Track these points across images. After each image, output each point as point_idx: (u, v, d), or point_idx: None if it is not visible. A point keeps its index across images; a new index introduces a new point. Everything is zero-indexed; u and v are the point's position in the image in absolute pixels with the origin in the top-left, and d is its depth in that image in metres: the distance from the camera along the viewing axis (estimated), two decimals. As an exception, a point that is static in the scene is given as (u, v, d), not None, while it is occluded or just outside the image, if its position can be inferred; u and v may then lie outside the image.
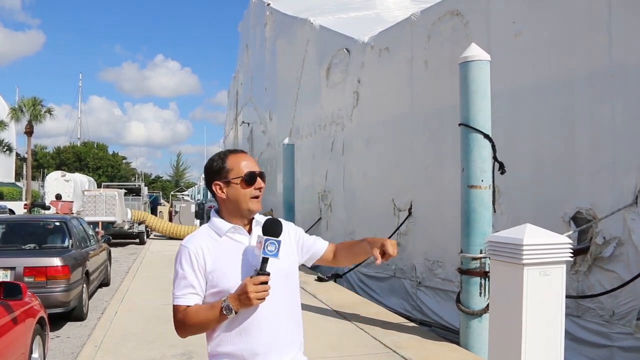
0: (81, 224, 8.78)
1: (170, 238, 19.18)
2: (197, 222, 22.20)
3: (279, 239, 1.79)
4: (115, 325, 6.17)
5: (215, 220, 1.95)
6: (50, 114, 34.11)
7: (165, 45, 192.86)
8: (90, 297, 8.02)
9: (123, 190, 19.86)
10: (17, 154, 49.65)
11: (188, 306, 1.85)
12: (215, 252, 1.88)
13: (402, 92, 8.44)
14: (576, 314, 5.21)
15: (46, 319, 4.82)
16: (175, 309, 1.87)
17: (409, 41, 8.23)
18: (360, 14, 13.70)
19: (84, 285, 7.29)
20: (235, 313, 1.78)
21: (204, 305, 1.85)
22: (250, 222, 1.96)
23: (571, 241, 3.73)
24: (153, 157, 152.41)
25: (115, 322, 6.33)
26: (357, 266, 8.97)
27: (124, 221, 17.43)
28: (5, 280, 5.66)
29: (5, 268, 6.37)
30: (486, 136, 4.92)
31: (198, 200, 36.30)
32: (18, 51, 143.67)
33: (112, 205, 16.42)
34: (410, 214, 8.09)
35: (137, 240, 18.74)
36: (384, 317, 6.34)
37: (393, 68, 8.75)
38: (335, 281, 9.03)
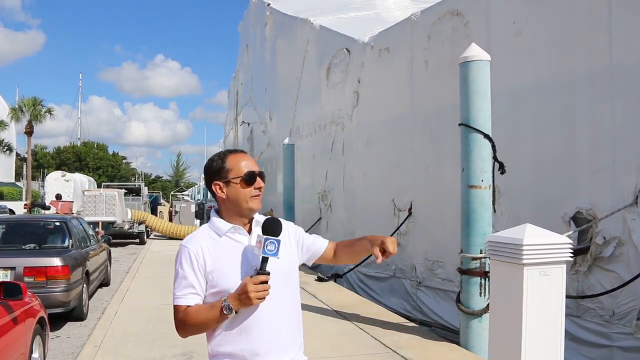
0: (81, 224, 8.78)
1: (170, 238, 19.18)
2: (197, 222, 22.21)
3: (278, 238, 1.80)
4: (115, 325, 6.17)
5: (215, 220, 1.95)
6: (50, 114, 34.13)
7: (165, 45, 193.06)
8: (90, 297, 8.02)
9: (123, 190, 19.86)
10: (17, 154, 49.65)
11: (188, 306, 1.85)
12: (215, 252, 1.88)
13: (402, 92, 8.44)
14: (576, 314, 5.21)
15: (46, 319, 4.82)
16: (176, 309, 1.87)
17: (409, 41, 8.23)
18: (360, 14, 13.70)
19: (84, 285, 7.29)
20: (236, 313, 1.79)
21: (204, 305, 1.86)
22: (250, 222, 1.96)
23: (571, 241, 3.73)
24: (153, 157, 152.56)
25: (115, 322, 6.33)
26: (357, 266, 8.97)
27: (124, 221, 17.43)
28: (5, 280, 5.66)
29: (5, 268, 6.38)
30: (486, 136, 4.92)
31: (198, 200, 36.30)
32: (18, 51, 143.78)
33: (112, 205, 16.42)
34: (410, 214, 8.09)
35: (137, 240, 18.74)
36: (384, 317, 6.34)
37: (393, 68, 8.75)
38: (335, 281, 9.03)
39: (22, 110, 33.00)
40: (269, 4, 18.18)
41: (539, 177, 5.85)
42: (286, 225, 2.00)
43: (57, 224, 7.86)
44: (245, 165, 1.92)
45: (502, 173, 5.25)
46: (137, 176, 67.31)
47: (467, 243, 4.98)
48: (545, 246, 3.55)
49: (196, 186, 58.10)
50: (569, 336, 4.59)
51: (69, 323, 7.08)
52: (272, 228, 1.82)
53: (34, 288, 5.73)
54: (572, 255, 3.66)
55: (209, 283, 1.86)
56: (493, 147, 4.98)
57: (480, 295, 4.90)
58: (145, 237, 19.01)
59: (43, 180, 37.83)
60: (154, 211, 24.16)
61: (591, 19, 5.29)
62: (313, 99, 12.84)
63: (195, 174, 75.47)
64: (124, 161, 72.26)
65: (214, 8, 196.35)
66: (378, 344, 5.22)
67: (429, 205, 7.69)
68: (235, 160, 1.93)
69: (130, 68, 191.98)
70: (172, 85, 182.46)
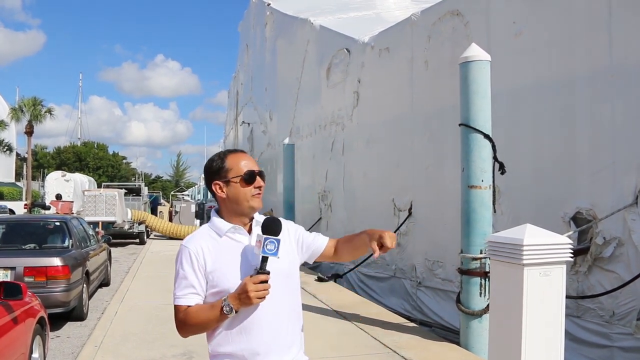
0: (81, 224, 8.78)
1: (170, 238, 19.18)
2: (197, 222, 22.21)
3: (278, 237, 1.79)
4: (116, 325, 6.17)
5: (216, 220, 1.95)
6: (51, 114, 34.13)
7: (165, 45, 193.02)
8: (90, 297, 8.02)
9: (123, 190, 19.86)
10: (17, 154, 49.64)
11: (189, 306, 1.85)
12: (215, 252, 1.88)
13: (402, 92, 8.44)
14: (576, 314, 5.21)
15: (46, 319, 4.82)
16: (176, 309, 1.87)
17: (409, 41, 8.23)
18: (361, 14, 13.70)
19: (84, 285, 7.29)
20: (236, 312, 1.79)
21: (204, 305, 1.86)
22: (250, 222, 1.96)
23: (571, 241, 3.73)
24: (153, 157, 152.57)
25: (115, 322, 6.33)
26: (357, 266, 8.98)
27: (124, 221, 17.43)
28: (5, 280, 5.66)
29: (5, 268, 6.38)
30: (486, 136, 4.92)
31: (198, 200, 36.31)
32: (18, 51, 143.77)
33: (112, 205, 16.42)
34: (410, 214, 8.09)
35: (137, 240, 18.74)
36: (384, 317, 6.34)
37: (393, 68, 8.75)
38: (335, 281, 9.04)
39: (22, 110, 33.00)
40: (269, 4, 18.18)
41: (539, 177, 5.85)
42: (286, 224, 1.99)
43: (57, 224, 7.86)
44: (245, 164, 1.92)
45: (502, 173, 5.25)
46: (137, 176, 67.31)
47: (467, 243, 4.98)
48: (546, 246, 3.55)
49: (196, 186, 58.11)
50: (569, 336, 4.59)
51: (69, 323, 7.08)
52: (271, 227, 1.82)
53: (34, 288, 5.73)
54: (572, 255, 3.65)
55: (209, 283, 1.86)
56: (493, 147, 4.98)
57: (480, 296, 4.90)
58: (145, 237, 19.01)
59: (43, 180, 37.83)
60: (154, 211, 24.16)
61: (591, 19, 5.29)
62: (313, 99, 12.85)
63: (196, 174, 75.54)
64: (124, 161, 72.27)
65: (214, 8, 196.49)
66: (378, 344, 5.22)
67: (429, 205, 7.69)
68: (235, 160, 1.94)
69: (130, 68, 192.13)
70: (172, 85, 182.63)
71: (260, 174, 1.94)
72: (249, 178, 1.90)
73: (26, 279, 6.25)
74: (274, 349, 1.86)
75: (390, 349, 5.02)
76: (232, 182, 1.91)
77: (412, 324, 6.18)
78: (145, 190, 28.85)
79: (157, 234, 20.41)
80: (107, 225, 16.47)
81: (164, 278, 9.53)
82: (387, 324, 5.96)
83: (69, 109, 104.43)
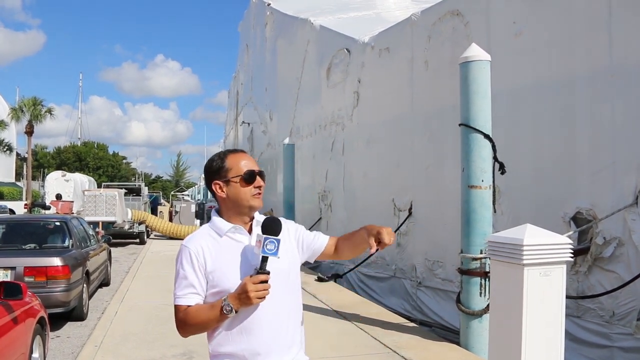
0: (81, 224, 8.78)
1: (171, 238, 19.18)
2: (197, 222, 22.21)
3: (278, 237, 1.79)
4: (116, 325, 6.17)
5: (216, 220, 1.95)
6: (51, 114, 34.12)
7: (165, 45, 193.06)
8: (90, 297, 8.03)
9: (123, 190, 19.85)
10: (18, 154, 49.62)
11: (189, 306, 1.85)
12: (215, 252, 1.88)
13: (402, 92, 8.44)
14: (576, 315, 5.21)
15: (46, 319, 4.82)
16: (177, 308, 1.87)
17: (410, 41, 8.23)
18: (361, 14, 13.70)
19: (84, 285, 7.29)
20: (236, 312, 1.79)
21: (204, 304, 1.86)
22: (250, 222, 1.96)
23: (571, 241, 3.73)
24: (153, 157, 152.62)
25: (115, 322, 6.33)
26: (357, 266, 8.98)
27: (124, 221, 17.43)
28: (5, 280, 5.66)
29: (5, 268, 6.38)
30: (486, 136, 4.92)
31: (198, 200, 36.31)
32: (18, 51, 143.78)
33: (112, 205, 16.42)
34: (410, 214, 8.09)
35: (137, 240, 18.75)
36: (384, 317, 6.34)
37: (393, 68, 8.75)
38: (335, 281, 9.04)
39: (22, 110, 33.00)
40: (269, 4, 18.18)
41: (539, 177, 5.85)
42: (286, 224, 1.99)
43: (57, 224, 7.86)
44: (244, 164, 1.92)
45: (502, 173, 5.25)
46: (137, 176, 67.31)
47: (467, 243, 4.98)
48: (546, 246, 3.55)
49: (196, 186, 58.12)
50: (569, 336, 4.59)
51: (69, 323, 7.08)
52: (271, 227, 1.82)
53: (34, 288, 5.73)
54: (572, 255, 3.66)
55: (209, 283, 1.86)
56: (493, 147, 4.98)
57: (481, 296, 4.90)
58: (145, 237, 19.01)
59: (43, 180, 37.84)
60: (154, 211, 24.16)
61: (591, 19, 5.29)
62: (313, 99, 12.85)
63: (196, 174, 75.54)
64: (124, 161, 72.28)
65: (214, 8, 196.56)
66: (378, 344, 5.22)
67: (429, 205, 7.69)
68: (235, 160, 1.94)
69: (131, 68, 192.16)
70: (172, 85, 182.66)
71: (260, 174, 1.94)
72: (249, 178, 1.90)
73: (26, 279, 6.25)
74: (274, 348, 1.86)
75: (390, 349, 5.02)
76: (232, 181, 1.91)
77: (412, 324, 6.18)
78: (145, 190, 28.84)
79: (157, 234, 20.41)
80: (107, 225, 16.47)
81: (164, 278, 9.53)
82: (387, 324, 5.96)
83: (69, 109, 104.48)
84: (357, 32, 10.55)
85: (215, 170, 1.95)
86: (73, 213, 17.97)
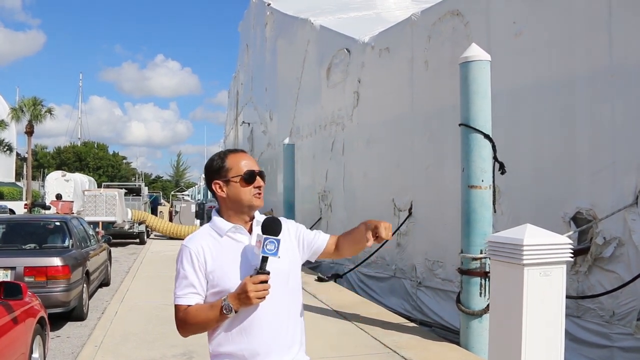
0: (81, 224, 8.78)
1: (171, 238, 19.18)
2: (197, 222, 22.21)
3: (278, 237, 1.79)
4: (116, 325, 6.17)
5: (216, 219, 1.95)
6: (51, 114, 34.11)
7: (165, 45, 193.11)
8: (90, 297, 8.03)
9: (123, 190, 19.85)
10: (18, 154, 49.61)
11: (189, 305, 1.85)
12: (216, 252, 1.88)
13: (402, 92, 8.44)
14: (576, 315, 5.21)
15: (46, 319, 4.82)
16: (177, 308, 1.87)
17: (410, 41, 8.23)
18: (361, 14, 13.70)
19: (84, 285, 7.29)
20: (235, 312, 1.78)
21: (204, 304, 1.86)
22: (251, 222, 1.96)
23: (571, 241, 3.73)
24: (153, 157, 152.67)
25: (115, 322, 6.33)
26: (357, 266, 8.98)
27: (124, 221, 17.43)
28: (5, 280, 5.66)
29: (5, 268, 6.38)
30: (486, 136, 4.92)
31: (198, 200, 36.31)
32: (18, 51, 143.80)
33: (112, 205, 16.42)
34: (410, 214, 8.09)
35: (138, 240, 18.75)
36: (384, 317, 6.34)
37: (393, 68, 8.75)
38: (335, 281, 9.04)
39: (22, 110, 32.98)
40: (269, 4, 18.18)
41: (539, 177, 5.85)
42: (286, 223, 1.99)
43: (57, 224, 7.86)
44: (245, 164, 1.93)
45: (502, 173, 5.25)
46: (137, 176, 67.30)
47: (468, 243, 4.98)
48: (546, 246, 3.55)
49: (196, 186, 58.13)
50: (569, 336, 4.59)
51: (69, 323, 7.08)
52: (271, 227, 1.82)
53: (34, 288, 5.73)
54: (572, 255, 3.65)
55: (209, 283, 1.87)
56: (493, 147, 4.98)
57: (481, 296, 4.90)
58: (145, 237, 19.01)
59: (43, 180, 37.83)
60: (154, 211, 24.15)
61: (591, 19, 5.29)
62: (313, 99, 12.85)
63: (196, 174, 75.55)
64: (124, 161, 72.28)
65: (214, 8, 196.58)
66: (378, 344, 5.22)
67: (429, 205, 7.69)
68: (235, 160, 1.94)
69: (131, 68, 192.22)
70: (172, 85, 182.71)
71: (260, 174, 1.94)
72: (249, 178, 1.90)
73: (26, 279, 6.25)
74: (275, 349, 1.86)
75: (391, 349, 5.03)
76: (232, 181, 1.91)
77: (412, 324, 6.18)
78: (145, 190, 28.85)
79: (157, 234, 20.42)
80: (107, 225, 16.47)
81: (164, 278, 9.53)
82: (387, 324, 5.96)
83: (69, 109, 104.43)
84: (357, 32, 10.55)
85: (215, 169, 1.95)
86: (73, 213, 17.97)
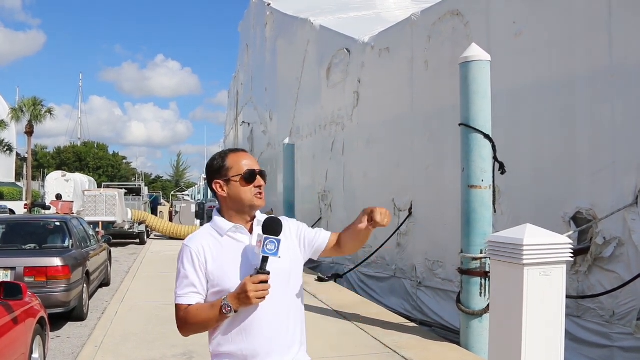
0: (81, 224, 8.78)
1: (171, 238, 19.18)
2: (197, 222, 22.21)
3: (279, 237, 1.79)
4: (116, 325, 6.17)
5: (217, 219, 1.95)
6: (51, 114, 34.11)
7: (166, 45, 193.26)
8: (90, 297, 8.02)
9: (123, 190, 19.86)
10: (18, 154, 49.61)
11: (189, 305, 1.85)
12: (216, 252, 1.88)
13: (402, 92, 8.44)
14: (576, 314, 5.21)
15: (46, 319, 4.82)
16: (177, 307, 1.88)
17: (410, 41, 8.23)
18: (361, 14, 13.70)
19: (85, 285, 7.29)
20: (235, 312, 1.78)
21: (205, 304, 1.86)
22: (251, 221, 1.96)
23: (571, 241, 3.73)
24: (153, 157, 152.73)
25: (115, 322, 6.33)
26: (357, 266, 8.98)
27: (124, 221, 17.43)
28: (5, 280, 5.66)
29: (5, 268, 6.37)
30: (486, 136, 4.92)
31: (198, 200, 36.29)
32: (18, 51, 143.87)
33: (112, 205, 16.41)
34: (410, 214, 8.09)
35: (138, 240, 18.74)
36: (384, 317, 6.34)
37: (393, 68, 8.75)
38: (335, 281, 9.04)
39: (22, 110, 32.98)
40: (269, 4, 18.19)
41: (539, 177, 5.85)
42: (287, 223, 1.98)
43: (58, 224, 7.86)
44: (245, 163, 1.92)
45: (502, 173, 5.25)
46: (137, 176, 67.30)
47: (468, 243, 4.98)
48: (546, 246, 3.55)
49: (196, 186, 58.13)
50: (569, 336, 4.59)
51: (69, 323, 7.08)
52: (272, 227, 1.81)
53: (34, 288, 5.73)
54: (572, 255, 3.66)
55: (210, 282, 1.87)
56: (493, 147, 4.98)
57: (481, 296, 4.90)
58: (145, 237, 19.01)
59: (43, 180, 37.83)
60: (154, 211, 24.14)
61: (591, 19, 5.29)
62: (313, 99, 12.85)
63: (196, 174, 75.58)
64: (124, 161, 72.28)
65: (214, 8, 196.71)
66: (378, 344, 5.22)
67: (429, 205, 7.69)
68: (236, 159, 1.94)
69: (131, 68, 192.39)
70: (172, 85, 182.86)
71: (261, 173, 1.94)
72: (249, 177, 1.90)
73: (26, 279, 6.25)
74: (275, 349, 1.86)
75: (391, 349, 5.03)
76: (233, 181, 1.91)
77: (412, 324, 6.18)
78: (145, 190, 28.85)
79: (158, 234, 20.41)
80: (107, 225, 16.47)
81: (164, 278, 9.53)
82: (387, 324, 5.96)
83: (69, 109, 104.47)
84: (357, 32, 10.55)
85: (216, 169, 1.95)
86: (73, 213, 17.97)
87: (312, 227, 2.10)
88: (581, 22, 5.38)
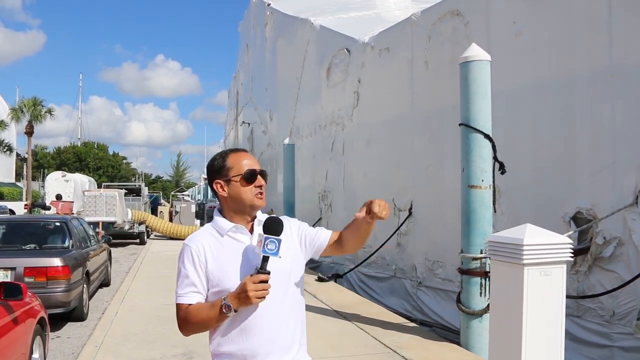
0: (81, 224, 8.78)
1: (171, 238, 19.18)
2: (197, 222, 22.22)
3: (279, 237, 1.78)
4: (116, 325, 6.17)
5: (218, 219, 1.95)
6: (51, 114, 34.12)
7: (166, 45, 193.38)
8: (90, 297, 8.02)
9: (123, 191, 19.85)
10: (18, 154, 49.61)
11: (190, 304, 1.85)
12: (216, 251, 1.88)
13: (402, 92, 8.44)
14: (576, 314, 5.21)
15: (46, 319, 4.82)
16: (178, 307, 1.88)
17: (410, 41, 8.23)
18: (361, 14, 13.70)
19: (85, 285, 7.29)
20: (235, 311, 1.78)
21: (205, 303, 1.86)
22: (252, 221, 1.96)
23: (571, 241, 3.73)
24: (153, 157, 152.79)
25: (115, 322, 6.33)
26: (357, 266, 8.98)
27: (124, 221, 17.43)
28: (5, 280, 5.66)
29: (5, 268, 6.37)
30: (486, 136, 4.92)
31: (198, 200, 36.29)
32: (18, 51, 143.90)
33: (112, 206, 16.42)
34: (410, 214, 8.09)
35: (138, 241, 18.74)
36: (385, 317, 6.34)
37: (393, 68, 8.75)
38: (335, 281, 9.04)
39: (22, 111, 32.98)
40: (269, 4, 18.19)
41: (539, 177, 5.85)
42: (288, 222, 1.98)
43: (58, 224, 7.86)
44: (246, 163, 1.92)
45: (502, 173, 5.25)
46: (137, 176, 67.29)
47: (468, 243, 4.98)
48: (546, 246, 3.55)
49: (196, 186, 58.15)
50: (569, 336, 4.59)
51: (69, 323, 7.08)
52: (273, 227, 1.81)
53: (35, 288, 5.73)
54: (572, 255, 3.66)
55: (210, 282, 1.87)
56: (493, 147, 4.98)
57: (481, 295, 4.90)
58: (145, 237, 19.01)
59: (43, 180, 37.81)
60: (154, 211, 24.14)
61: (591, 19, 5.29)
62: (313, 99, 12.85)
63: (196, 174, 75.59)
64: (124, 161, 72.28)
65: (214, 8, 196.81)
66: (378, 344, 5.22)
67: (429, 205, 7.69)
68: (236, 159, 1.93)
69: (131, 68, 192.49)
70: (172, 86, 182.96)
71: (262, 173, 1.93)
72: (250, 177, 1.90)
73: (26, 280, 6.25)
74: (274, 349, 1.86)
75: (391, 349, 5.03)
76: (233, 181, 1.91)
77: (412, 324, 6.18)
78: (145, 191, 28.82)
79: (158, 234, 20.41)
80: (108, 225, 16.47)
81: (165, 278, 9.53)
82: (388, 324, 5.96)
83: (69, 109, 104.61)
84: (357, 32, 10.55)
85: (216, 169, 1.94)
86: (73, 213, 17.98)
87: (313, 227, 2.10)
88: (581, 22, 5.38)
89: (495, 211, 5.14)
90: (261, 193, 1.93)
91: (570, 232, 5.15)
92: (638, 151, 4.83)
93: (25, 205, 26.13)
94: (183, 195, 51.43)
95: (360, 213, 1.85)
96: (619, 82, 5.02)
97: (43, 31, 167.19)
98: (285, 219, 1.92)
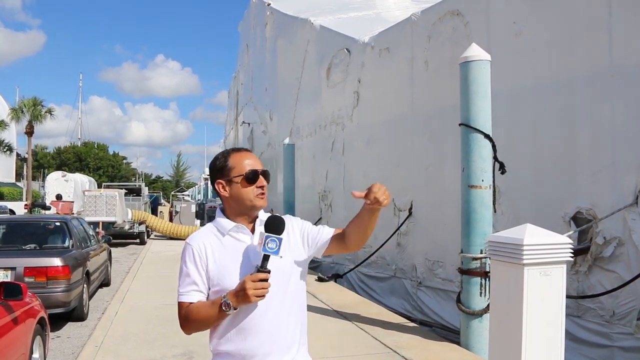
0: (82, 224, 8.78)
1: (171, 238, 19.18)
2: (198, 222, 22.22)
3: (280, 236, 1.78)
4: (116, 325, 6.17)
5: (220, 219, 1.95)
6: (51, 114, 34.09)
7: (166, 45, 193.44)
8: (90, 297, 8.02)
9: (123, 191, 19.85)
10: (18, 154, 49.58)
11: (191, 303, 1.86)
12: (218, 250, 1.88)
13: (402, 92, 8.44)
14: (576, 314, 5.21)
15: (46, 319, 4.82)
16: (179, 305, 1.88)
17: (410, 41, 8.24)
18: (361, 14, 13.71)
19: (85, 285, 7.29)
20: (235, 309, 1.78)
21: (205, 302, 1.86)
22: (254, 221, 1.96)
23: (571, 241, 3.73)
24: (153, 157, 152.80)
25: (115, 322, 6.33)
26: (357, 266, 8.98)
27: (124, 221, 17.43)
28: (5, 280, 5.66)
29: (5, 268, 6.37)
30: (486, 136, 4.92)
31: (198, 200, 36.30)
32: (18, 51, 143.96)
33: (112, 206, 16.42)
34: (410, 214, 8.09)
35: (138, 241, 18.74)
36: (385, 317, 6.34)
37: (393, 68, 8.76)
38: (335, 281, 9.04)
39: (22, 111, 32.96)
40: (269, 4, 18.19)
41: (539, 177, 5.85)
42: (290, 221, 1.98)
43: (58, 224, 7.86)
44: (248, 163, 1.91)
45: (502, 173, 5.25)
46: (137, 176, 67.29)
47: (468, 243, 4.98)
48: (546, 246, 3.55)
49: (196, 186, 58.13)
50: (569, 336, 4.59)
51: (69, 323, 7.08)
52: (274, 226, 1.81)
53: (35, 288, 5.73)
54: (572, 255, 3.66)
55: (210, 281, 1.87)
56: (493, 147, 4.98)
57: (481, 295, 4.90)
58: (145, 237, 19.01)
59: (43, 180, 37.81)
60: (154, 211, 24.14)
61: (591, 19, 5.29)
62: (313, 99, 12.85)
63: (196, 174, 75.49)
64: (124, 161, 72.28)
65: (214, 8, 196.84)
66: (378, 344, 5.22)
67: (429, 205, 7.69)
68: (238, 159, 1.93)
69: (131, 68, 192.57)
70: (172, 86, 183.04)
71: (264, 174, 1.92)
72: (252, 177, 1.89)
73: (26, 279, 6.25)
74: (274, 348, 1.85)
75: (391, 349, 5.03)
76: (235, 181, 1.90)
77: (412, 324, 6.19)
78: (145, 191, 28.83)
79: (158, 234, 20.41)
80: (108, 225, 16.47)
81: (165, 278, 9.53)
82: (388, 324, 5.96)
83: (69, 109, 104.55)
84: (357, 32, 10.55)
85: (218, 169, 1.94)
86: (73, 213, 17.97)
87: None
88: (581, 22, 5.38)
89: (495, 211, 5.14)
90: (263, 193, 1.92)
91: (570, 232, 5.15)
92: (638, 151, 4.83)
93: (26, 205, 26.14)
94: (183, 195, 51.41)
95: (357, 193, 1.85)
96: (619, 82, 5.02)
97: (43, 31, 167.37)
98: (287, 218, 1.92)
